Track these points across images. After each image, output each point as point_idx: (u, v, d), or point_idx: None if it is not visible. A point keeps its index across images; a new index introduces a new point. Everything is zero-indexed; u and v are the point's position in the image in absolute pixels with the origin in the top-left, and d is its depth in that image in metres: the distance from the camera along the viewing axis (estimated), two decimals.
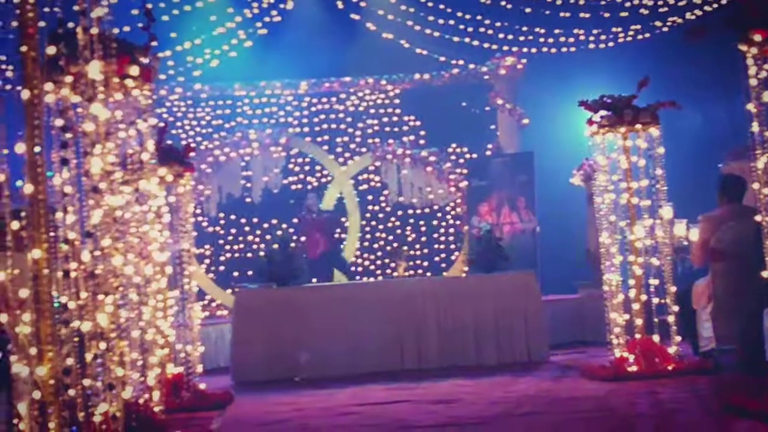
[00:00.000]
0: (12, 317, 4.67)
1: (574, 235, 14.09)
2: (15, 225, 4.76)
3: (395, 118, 15.93)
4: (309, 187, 15.48)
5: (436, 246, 15.82)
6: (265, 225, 15.21)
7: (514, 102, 15.57)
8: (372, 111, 15.95)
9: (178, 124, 15.34)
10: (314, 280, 12.87)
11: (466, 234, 15.12)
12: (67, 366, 4.91)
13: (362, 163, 15.82)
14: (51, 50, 5.19)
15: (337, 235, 15.21)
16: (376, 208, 15.82)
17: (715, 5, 13.48)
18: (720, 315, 8.71)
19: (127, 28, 7.84)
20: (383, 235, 15.76)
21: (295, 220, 14.49)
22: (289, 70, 15.20)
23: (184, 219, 9.04)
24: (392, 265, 14.57)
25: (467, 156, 15.88)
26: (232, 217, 15.36)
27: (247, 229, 15.39)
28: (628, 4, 14.43)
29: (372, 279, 15.08)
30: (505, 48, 15.22)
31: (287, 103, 15.70)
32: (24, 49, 4.82)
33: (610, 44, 15.05)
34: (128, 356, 5.84)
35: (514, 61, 15.42)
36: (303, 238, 14.25)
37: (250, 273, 14.07)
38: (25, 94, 4.80)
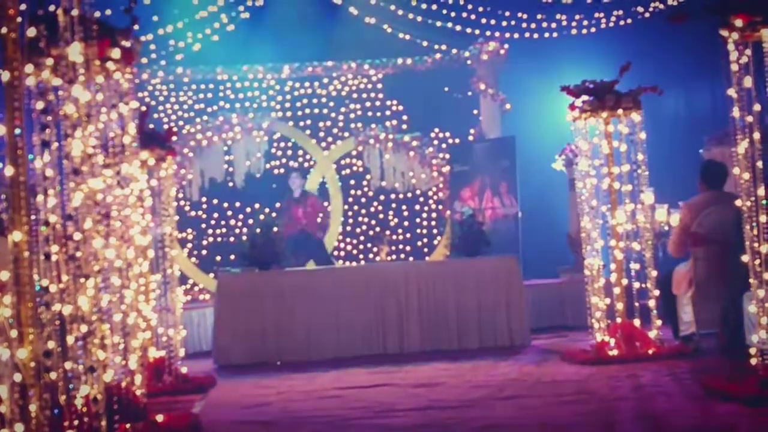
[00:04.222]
0: None
1: (556, 219, 14.13)
2: None
3: (378, 103, 15.90)
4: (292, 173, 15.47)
5: (418, 231, 15.82)
6: (248, 209, 15.19)
7: (497, 87, 15.56)
8: (354, 96, 15.92)
9: (160, 107, 15.27)
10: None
11: (449, 219, 15.14)
12: (48, 349, 4.90)
13: (345, 148, 15.80)
14: (31, 32, 5.16)
15: (320, 220, 15.22)
16: (359, 192, 15.80)
17: None
18: (701, 299, 8.78)
19: (108, 11, 7.80)
20: (366, 219, 15.75)
21: (278, 205, 14.38)
22: (272, 54, 15.15)
23: (166, 203, 9.03)
24: (374, 249, 14.57)
25: (450, 141, 15.87)
26: (215, 201, 15.32)
27: (229, 213, 15.34)
28: None
29: (354, 263, 15.09)
30: (488, 33, 15.20)
31: (270, 87, 15.64)
32: (4, 30, 4.78)
33: (593, 30, 15.07)
34: (110, 339, 5.83)
35: (497, 47, 15.40)
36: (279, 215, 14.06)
37: (232, 257, 14.06)
38: (5, 76, 4.77)
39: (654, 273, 9.07)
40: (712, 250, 8.72)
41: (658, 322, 9.05)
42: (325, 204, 15.37)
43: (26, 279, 4.73)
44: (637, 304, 9.09)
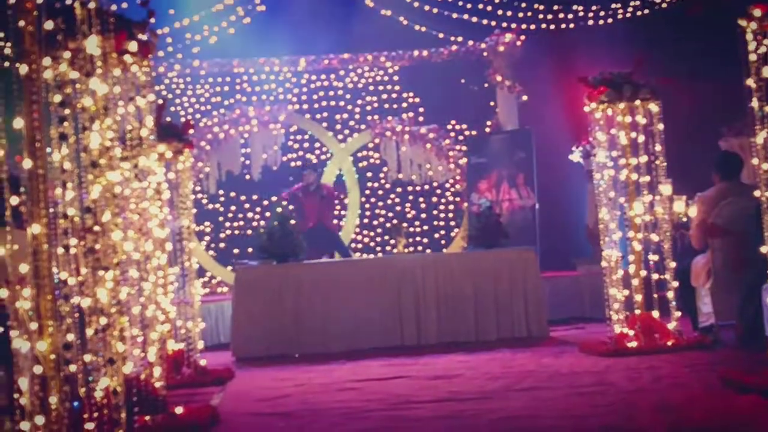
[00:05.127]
0: (12, 292, 4.68)
1: (573, 211, 14.09)
2: (14, 200, 4.76)
3: (394, 95, 15.90)
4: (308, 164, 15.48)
5: (435, 223, 15.81)
6: (265, 202, 15.21)
7: (513, 79, 15.52)
8: (371, 88, 15.92)
9: (177, 100, 15.32)
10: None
11: (466, 211, 15.12)
12: (68, 341, 4.92)
13: (361, 140, 15.80)
14: (49, 25, 5.18)
15: (336, 212, 15.21)
16: (376, 185, 15.81)
17: None
18: (719, 290, 8.74)
19: (125, 4, 7.81)
20: (383, 212, 15.76)
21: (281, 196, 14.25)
22: (288, 47, 15.15)
23: (184, 196, 9.05)
24: (392, 241, 14.57)
25: (466, 133, 15.85)
26: (232, 194, 15.36)
27: (246, 206, 15.39)
28: None
29: (372, 256, 15.10)
30: (504, 24, 15.17)
31: (286, 80, 15.66)
32: (22, 23, 4.80)
33: (609, 20, 15.01)
34: (128, 332, 5.85)
35: (513, 38, 15.35)
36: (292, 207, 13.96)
37: (250, 250, 14.08)
38: (23, 70, 4.79)
39: (672, 264, 9.04)
40: (730, 241, 8.68)
41: (677, 314, 9.03)
42: (342, 196, 15.35)
43: (45, 272, 4.76)
44: (655, 295, 9.06)
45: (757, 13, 6.46)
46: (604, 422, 5.87)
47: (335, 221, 15.17)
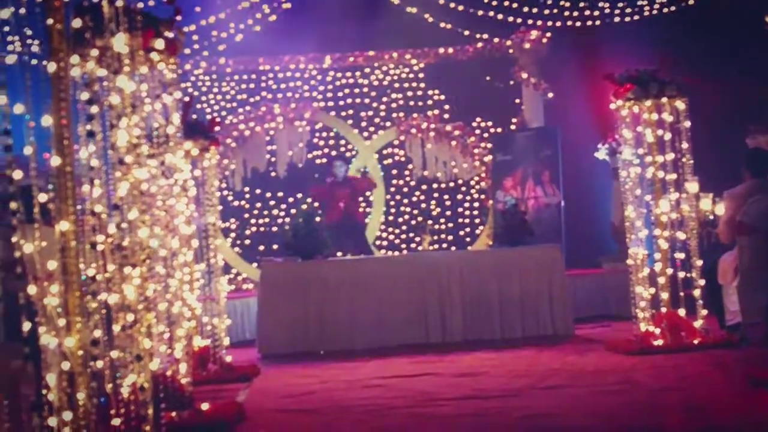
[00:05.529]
0: (40, 289, 4.71)
1: (599, 209, 14.04)
2: (42, 197, 4.79)
3: (419, 93, 15.87)
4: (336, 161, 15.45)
5: (460, 220, 15.77)
6: (290, 199, 15.22)
7: (539, 76, 15.46)
8: (396, 85, 15.89)
9: (203, 98, 15.35)
10: (339, 253, 12.80)
11: (491, 208, 15.09)
12: (95, 337, 4.95)
13: (387, 138, 15.79)
14: (77, 23, 5.21)
15: (362, 208, 15.18)
16: (401, 182, 15.78)
17: None
18: (746, 288, 8.69)
19: (151, 2, 7.86)
20: (408, 209, 15.73)
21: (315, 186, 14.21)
22: (314, 44, 15.14)
23: (210, 193, 9.09)
24: (417, 239, 14.57)
25: (492, 130, 15.80)
26: (257, 191, 15.38)
27: (272, 203, 15.40)
28: None
29: (397, 253, 15.09)
30: (530, 22, 15.12)
31: (312, 77, 15.66)
32: (50, 21, 4.83)
33: (636, 17, 14.94)
34: (155, 328, 5.88)
35: (539, 35, 15.29)
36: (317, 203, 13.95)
37: (275, 247, 14.11)
38: (51, 67, 4.82)
39: (699, 262, 9.00)
40: (758, 239, 8.63)
41: (704, 312, 8.99)
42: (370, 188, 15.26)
43: (73, 268, 4.79)
44: (682, 293, 9.03)
45: None
46: (630, 421, 5.86)
47: (361, 209, 15.06)
